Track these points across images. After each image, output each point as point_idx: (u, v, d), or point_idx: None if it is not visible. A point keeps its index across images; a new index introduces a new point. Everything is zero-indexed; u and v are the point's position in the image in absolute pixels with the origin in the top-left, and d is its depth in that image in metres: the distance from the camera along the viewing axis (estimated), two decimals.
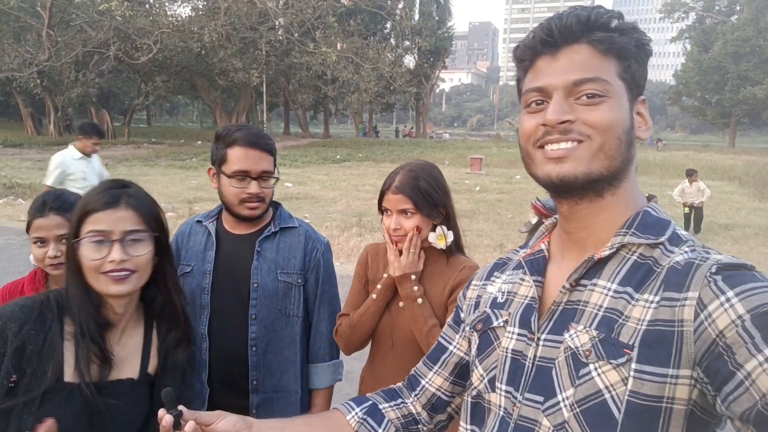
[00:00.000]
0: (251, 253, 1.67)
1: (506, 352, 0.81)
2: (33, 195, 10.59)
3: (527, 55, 0.79)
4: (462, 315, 0.98)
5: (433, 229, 1.56)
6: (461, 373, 0.96)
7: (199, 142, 29.01)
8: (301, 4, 24.28)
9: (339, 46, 26.69)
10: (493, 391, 0.82)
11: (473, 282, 0.99)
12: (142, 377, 1.21)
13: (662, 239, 0.75)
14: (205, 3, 25.25)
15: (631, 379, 0.67)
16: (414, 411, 0.98)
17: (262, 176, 1.62)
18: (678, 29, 40.55)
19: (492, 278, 0.94)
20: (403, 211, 1.53)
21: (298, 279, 1.70)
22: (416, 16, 39.42)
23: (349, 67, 25.26)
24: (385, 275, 1.58)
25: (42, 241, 1.54)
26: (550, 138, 0.75)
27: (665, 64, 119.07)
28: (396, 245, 1.55)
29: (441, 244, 1.55)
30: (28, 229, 1.56)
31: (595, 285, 0.75)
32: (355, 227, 8.78)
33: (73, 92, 24.34)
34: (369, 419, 0.95)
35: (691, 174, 9.75)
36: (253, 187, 1.61)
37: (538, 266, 0.84)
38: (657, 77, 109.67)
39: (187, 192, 11.94)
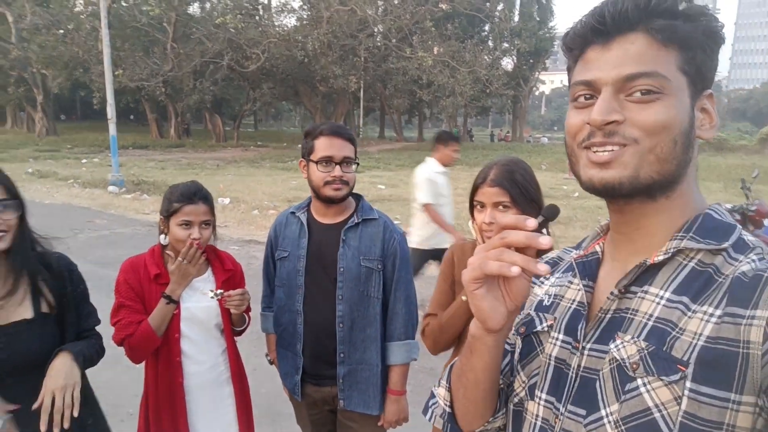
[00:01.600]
0: (337, 240, 1.89)
1: (549, 360, 0.76)
2: (156, 191, 11.80)
3: (576, 43, 0.72)
4: None
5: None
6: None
7: (300, 146, 30.39)
8: (400, 11, 24.67)
9: (435, 50, 26.75)
10: (532, 399, 0.77)
11: None
12: (37, 316, 1.46)
13: (725, 245, 0.67)
14: (309, 13, 26.51)
15: (685, 399, 0.61)
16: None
17: (345, 161, 1.84)
18: None
19: (541, 278, 0.88)
20: (498, 205, 1.50)
21: (378, 265, 1.89)
22: (516, 18, 38.46)
23: (444, 71, 25.23)
24: (464, 298, 1.56)
25: (187, 225, 1.79)
26: (595, 141, 0.68)
27: None
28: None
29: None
30: (171, 214, 1.80)
31: (646, 292, 0.69)
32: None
33: (191, 99, 26.70)
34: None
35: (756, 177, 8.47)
36: (337, 171, 1.83)
37: (590, 269, 0.78)
38: None
39: (287, 192, 12.63)
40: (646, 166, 0.66)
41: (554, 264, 0.89)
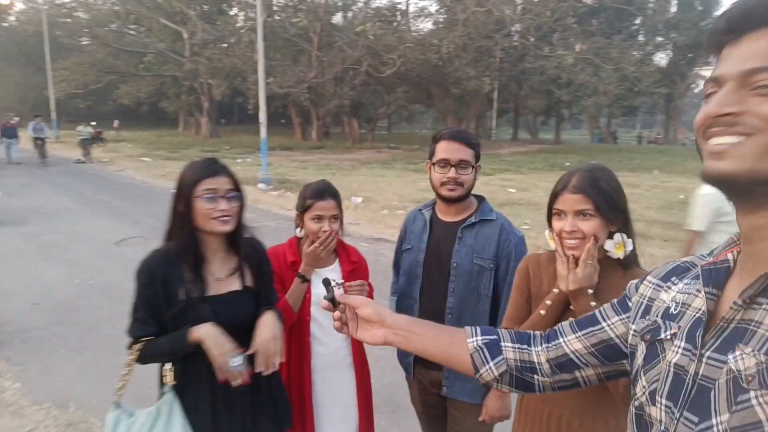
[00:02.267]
0: (454, 238, 2.01)
1: (669, 366, 0.77)
2: (298, 189, 12.77)
3: (713, 45, 0.74)
4: (629, 304, 0.94)
5: (610, 236, 1.43)
6: (605, 350, 0.94)
7: None
8: (540, 8, 23.77)
9: (577, 47, 25.31)
10: (654, 404, 0.78)
11: (648, 278, 0.93)
12: (243, 288, 1.74)
13: None
14: (445, 16, 26.72)
15: None
16: (536, 360, 0.98)
17: (460, 164, 1.94)
18: None
19: (669, 283, 0.88)
20: (581, 213, 1.41)
21: (491, 264, 1.97)
22: (673, 9, 34.88)
23: (587, 69, 23.80)
24: (555, 290, 1.47)
25: (319, 219, 2.00)
26: (713, 131, 0.69)
27: None
28: (571, 251, 1.42)
29: (619, 254, 1.42)
30: (305, 209, 2.02)
31: None
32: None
33: (331, 104, 28.41)
34: (485, 349, 1.00)
35: None
36: (452, 173, 1.94)
37: (717, 277, 0.77)
38: None
39: (416, 193, 12.88)
40: (766, 159, 0.65)
41: (686, 269, 0.88)
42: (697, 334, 0.74)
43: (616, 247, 1.42)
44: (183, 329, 1.60)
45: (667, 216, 9.99)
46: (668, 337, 0.80)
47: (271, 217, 9.91)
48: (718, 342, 0.72)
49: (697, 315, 0.77)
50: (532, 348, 1.00)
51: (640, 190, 14.23)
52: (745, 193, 0.68)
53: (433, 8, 27.75)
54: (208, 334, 1.57)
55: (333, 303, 1.05)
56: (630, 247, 1.43)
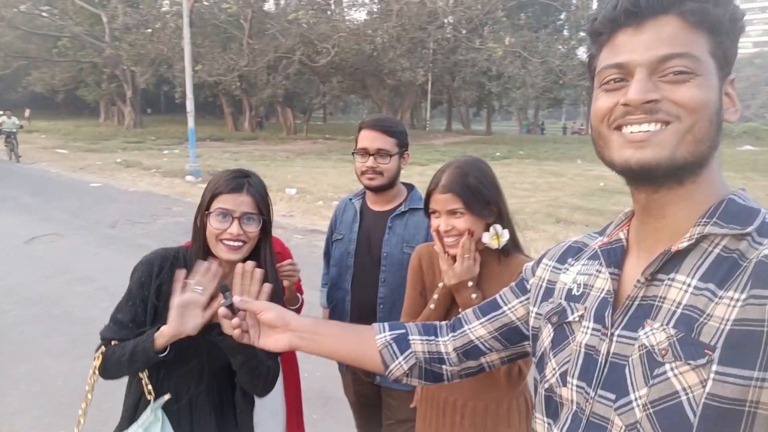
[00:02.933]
0: (384, 227, 2.00)
1: (580, 347, 0.78)
2: None
3: (607, 27, 0.71)
4: (527, 286, 0.95)
5: (487, 229, 1.46)
6: (507, 334, 0.96)
7: None
8: (471, 1, 24.27)
9: (507, 40, 26.09)
10: (565, 385, 0.80)
11: (544, 260, 0.94)
12: None
13: (749, 229, 0.67)
14: (379, 6, 26.70)
15: (710, 381, 0.62)
16: (443, 350, 0.99)
17: (379, 153, 1.93)
18: None
19: (566, 264, 0.89)
20: (453, 212, 1.43)
21: None
22: (594, 5, 36.69)
23: (515, 62, 24.60)
24: (440, 285, 1.50)
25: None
26: (632, 118, 0.68)
27: None
28: (450, 248, 1.45)
29: (496, 244, 1.45)
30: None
31: (673, 280, 0.70)
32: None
33: (264, 93, 27.73)
34: (394, 345, 0.99)
35: None
36: (370, 161, 1.93)
37: (615, 257, 0.79)
38: None
39: (351, 183, 12.84)
40: (683, 146, 0.67)
41: (579, 250, 0.90)
42: (606, 314, 0.76)
43: (493, 239, 1.45)
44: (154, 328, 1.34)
45: (589, 203, 10.54)
46: (576, 318, 0.81)
47: None
48: (626, 319, 0.73)
49: (602, 295, 0.79)
50: (439, 338, 1.01)
51: (565, 178, 14.93)
52: (663, 179, 0.69)
53: None
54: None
55: (231, 310, 0.98)
56: (506, 238, 1.46)
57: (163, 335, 1.32)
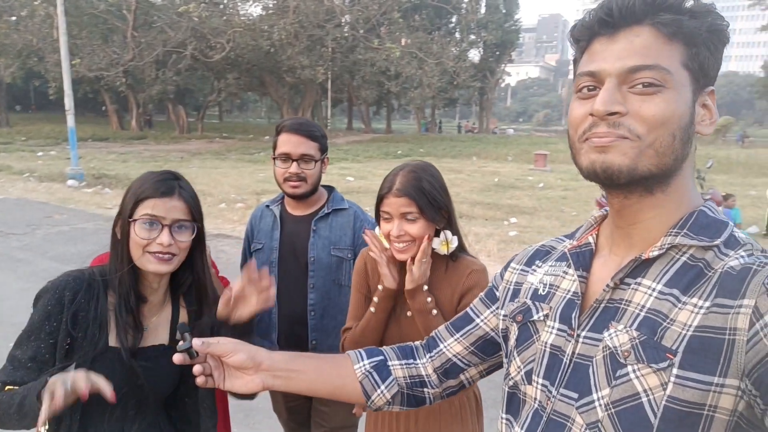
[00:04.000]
0: (308, 231, 1.94)
1: (545, 347, 0.79)
2: (119, 185, 11.48)
3: (584, 35, 0.73)
4: (497, 294, 0.95)
5: (437, 234, 1.47)
6: (483, 346, 0.95)
7: (267, 137, 30.06)
8: (368, 1, 24.53)
9: (403, 41, 26.73)
10: (530, 383, 0.80)
11: (512, 264, 0.95)
12: (172, 343, 1.32)
13: (717, 242, 0.69)
14: (275, 2, 26.07)
15: (671, 385, 0.64)
16: (424, 373, 0.97)
17: (303, 158, 1.86)
18: None
19: (533, 266, 0.90)
20: (406, 216, 1.42)
21: (348, 254, 1.93)
22: (482, 10, 38.74)
23: (412, 63, 25.27)
24: (380, 287, 1.48)
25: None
26: (597, 131, 0.69)
27: (754, 55, 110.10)
28: (399, 254, 1.44)
29: (445, 251, 1.47)
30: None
31: (639, 284, 0.71)
32: None
33: (153, 90, 25.98)
34: (374, 373, 0.95)
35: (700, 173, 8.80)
36: (293, 168, 1.85)
37: (583, 260, 0.80)
38: (745, 69, 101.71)
39: (255, 184, 12.47)
40: (645, 160, 0.68)
41: (547, 252, 0.91)
42: (573, 316, 0.77)
43: (442, 244, 1.47)
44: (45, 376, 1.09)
45: (486, 198, 11.15)
46: (541, 318, 0.82)
47: (87, 217, 8.74)
48: (592, 321, 0.74)
49: (568, 296, 0.79)
50: (418, 361, 0.98)
51: (463, 174, 15.67)
52: (629, 186, 0.71)
53: None
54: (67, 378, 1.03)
55: (190, 354, 0.85)
56: (455, 245, 1.47)
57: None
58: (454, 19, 38.82)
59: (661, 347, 0.66)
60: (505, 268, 0.96)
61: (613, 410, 0.68)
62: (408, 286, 1.43)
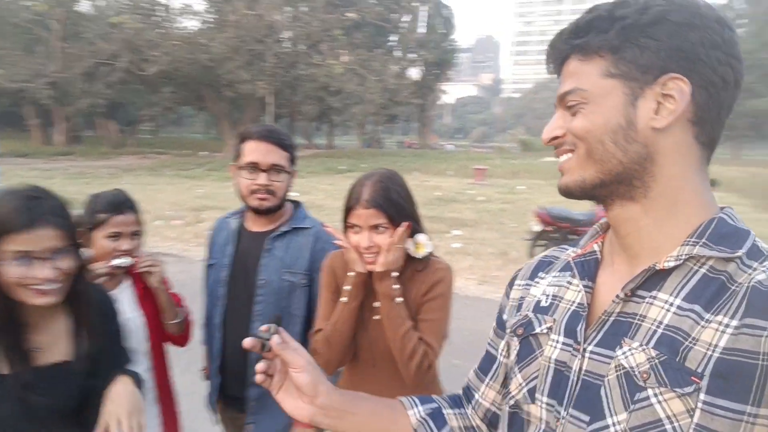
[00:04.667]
0: (262, 250, 1.73)
1: (549, 362, 0.75)
2: None
3: (551, 70, 0.78)
4: (504, 317, 0.90)
5: (410, 236, 1.47)
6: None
7: (205, 153, 29.28)
8: (309, 18, 24.61)
9: (345, 58, 26.96)
10: (533, 402, 0.76)
11: (516, 281, 0.91)
12: (78, 359, 1.25)
13: (739, 253, 0.64)
14: (214, 16, 25.64)
15: (698, 411, 0.59)
16: (474, 424, 0.92)
17: (273, 169, 1.69)
18: None
19: (536, 279, 0.86)
20: (376, 227, 1.39)
21: (303, 279, 1.73)
22: (422, 29, 39.81)
23: (354, 79, 25.50)
24: (351, 274, 1.43)
25: (116, 236, 1.69)
26: (557, 151, 0.75)
27: None
28: (370, 265, 1.42)
29: (419, 253, 1.46)
30: (96, 225, 1.68)
31: (654, 298, 0.66)
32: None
33: (82, 103, 24.70)
34: (430, 421, 0.89)
35: (713, 184, 9.52)
36: (262, 179, 1.67)
37: (588, 269, 0.77)
38: None
39: (193, 200, 12.08)
40: (588, 168, 0.71)
41: (549, 263, 0.88)
42: (578, 329, 0.72)
43: (416, 247, 1.46)
44: None
45: (429, 211, 11.33)
46: (544, 331, 0.78)
47: None
48: (601, 335, 0.70)
49: (573, 308, 0.76)
50: (467, 410, 0.93)
51: None
52: (596, 198, 0.73)
53: (200, 7, 26.34)
54: None
55: (263, 347, 0.79)
56: (430, 249, 1.47)
57: None
58: (394, 38, 39.62)
59: (685, 369, 0.61)
60: (510, 286, 0.92)
61: None
62: (379, 267, 1.40)
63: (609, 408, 0.65)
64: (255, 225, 1.80)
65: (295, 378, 0.80)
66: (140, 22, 22.14)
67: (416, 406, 0.90)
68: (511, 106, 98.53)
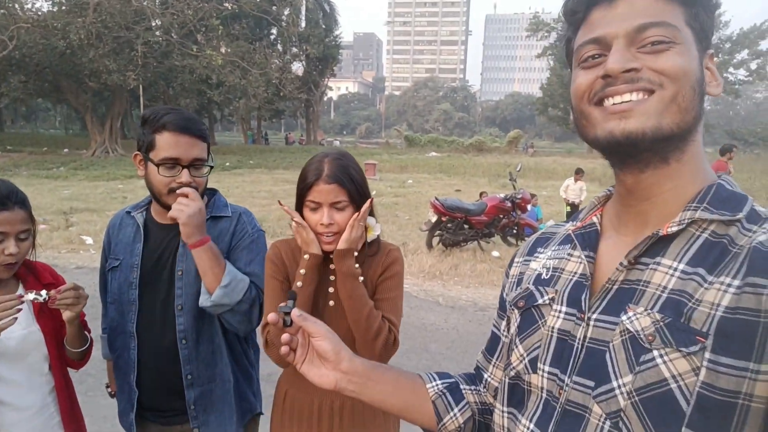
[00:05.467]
0: (178, 241, 1.59)
1: (551, 332, 0.75)
2: None
3: (580, 6, 0.71)
4: (505, 296, 0.91)
5: None
6: None
7: (66, 150, 26.33)
8: (181, 5, 23.00)
9: (223, 50, 25.68)
10: (534, 372, 0.76)
11: (515, 259, 0.91)
12: None
13: (740, 216, 0.66)
14: None
15: (704, 370, 0.60)
16: (488, 401, 0.93)
17: (194, 164, 1.54)
18: (542, 47, 44.68)
19: (535, 254, 0.87)
20: (336, 204, 1.38)
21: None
22: (303, 23, 39.25)
23: (235, 72, 24.42)
24: (305, 256, 1.41)
25: (1, 237, 1.43)
26: (613, 89, 0.66)
27: (533, 78, 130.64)
28: (327, 246, 1.40)
29: (369, 236, 1.47)
30: None
31: (658, 264, 0.67)
32: None
33: None
34: (448, 395, 0.90)
35: (578, 172, 10.41)
36: (185, 176, 1.52)
37: (589, 240, 0.77)
38: (526, 90, 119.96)
39: (59, 203, 10.78)
40: (668, 116, 0.65)
41: (547, 239, 0.88)
42: (582, 298, 0.73)
43: (367, 230, 1.46)
44: None
45: None
46: (546, 302, 0.78)
47: None
48: (605, 304, 0.70)
49: (575, 279, 0.76)
50: (480, 389, 0.94)
51: None
52: (649, 154, 0.68)
53: None
54: None
55: (285, 322, 0.81)
56: (378, 231, 1.49)
57: None
58: (275, 31, 38.61)
59: (690, 330, 0.62)
60: (510, 266, 0.93)
61: (637, 398, 0.63)
62: (341, 245, 1.38)
63: (614, 371, 0.66)
64: (165, 217, 1.60)
65: (318, 345, 0.82)
66: None
67: (434, 380, 0.92)
68: (393, 103, 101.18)
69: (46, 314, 1.55)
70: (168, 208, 1.56)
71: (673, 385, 0.62)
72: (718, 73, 0.70)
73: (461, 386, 0.93)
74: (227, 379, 1.66)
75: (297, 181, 1.44)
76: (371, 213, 1.49)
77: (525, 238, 6.37)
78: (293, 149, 34.83)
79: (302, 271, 1.41)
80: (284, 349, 0.82)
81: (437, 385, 0.91)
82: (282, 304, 0.82)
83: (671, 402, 0.61)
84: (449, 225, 7.70)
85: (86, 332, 1.64)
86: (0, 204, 1.43)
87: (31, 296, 1.43)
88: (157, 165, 1.51)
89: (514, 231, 8.11)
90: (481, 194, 9.42)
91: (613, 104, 0.67)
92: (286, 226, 8.92)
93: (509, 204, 7.93)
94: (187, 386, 1.60)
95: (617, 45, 0.67)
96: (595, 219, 0.80)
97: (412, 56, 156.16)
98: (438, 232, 7.78)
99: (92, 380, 3.02)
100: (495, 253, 7.81)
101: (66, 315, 1.50)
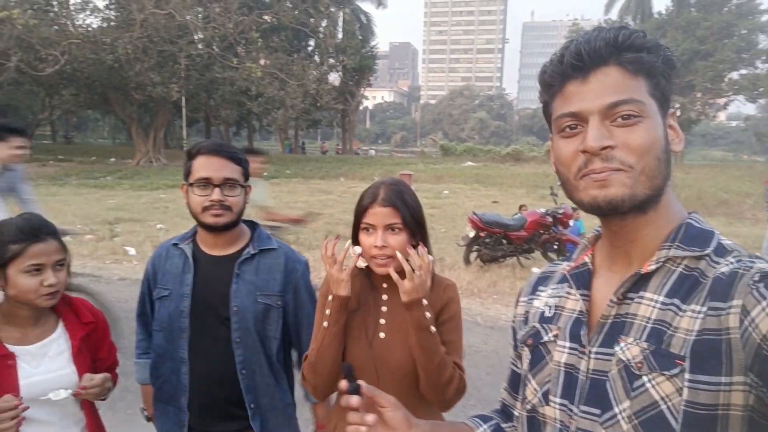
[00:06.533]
0: (230, 275, 1.67)
1: (559, 366, 0.82)
2: None
3: (556, 80, 0.79)
4: (516, 334, 0.99)
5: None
6: None
7: (113, 159, 27.37)
8: (223, 19, 23.66)
9: (263, 61, 26.24)
10: (548, 404, 0.83)
11: (520, 299, 1.00)
12: None
13: (708, 251, 0.75)
14: (117, 14, 23.94)
15: (686, 390, 0.68)
16: None
17: (226, 183, 1.62)
18: None
19: (537, 292, 0.95)
20: (391, 227, 1.39)
21: (278, 301, 1.71)
22: (340, 35, 39.76)
23: (274, 83, 24.90)
24: (329, 297, 1.40)
25: (38, 269, 1.44)
26: (594, 168, 0.75)
27: None
28: (380, 268, 1.40)
29: None
30: (10, 260, 1.41)
31: (642, 298, 0.76)
32: (293, 244, 8.58)
33: None
34: None
35: (552, 193, 10.19)
36: (216, 194, 1.61)
37: (583, 280, 0.85)
38: None
39: (105, 213, 11.16)
40: (640, 185, 0.74)
41: (546, 278, 0.96)
42: (582, 333, 0.81)
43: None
44: None
45: None
46: (551, 338, 0.85)
47: None
48: (602, 337, 0.78)
49: (575, 316, 0.84)
50: (515, 424, 0.98)
51: (333, 195, 15.73)
52: (625, 214, 0.76)
53: (101, 4, 24.45)
54: None
55: (354, 393, 0.83)
56: (430, 261, 1.43)
57: None
58: (312, 43, 39.24)
59: (670, 354, 0.70)
60: (516, 304, 1.01)
61: (636, 421, 0.71)
62: (404, 298, 1.34)
63: (615, 398, 0.74)
64: (213, 248, 1.73)
65: (390, 417, 0.85)
66: (33, 17, 20.15)
67: (481, 425, 0.98)
68: (428, 111, 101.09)
69: (83, 354, 1.55)
70: (207, 228, 1.66)
71: (663, 407, 0.69)
72: (679, 129, 0.80)
73: (502, 425, 0.99)
74: (288, 403, 1.77)
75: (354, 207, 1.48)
76: (426, 244, 1.46)
77: (567, 254, 6.14)
78: (329, 158, 35.17)
79: (327, 311, 1.40)
80: (351, 428, 0.84)
81: (485, 430, 0.97)
82: (343, 385, 0.84)
83: (663, 422, 0.69)
84: (487, 240, 7.54)
85: (112, 379, 1.64)
86: (33, 236, 1.44)
87: (53, 395, 1.44)
88: (193, 185, 1.63)
89: (555, 247, 7.85)
90: (520, 207, 9.18)
91: (594, 176, 0.76)
92: (322, 238, 8.94)
93: (550, 219, 7.70)
94: (252, 416, 1.67)
95: (593, 121, 0.75)
96: (587, 259, 0.87)
97: (447, 65, 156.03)
98: (476, 247, 7.63)
99: (131, 397, 3.05)
100: (535, 270, 7.58)
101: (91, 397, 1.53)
